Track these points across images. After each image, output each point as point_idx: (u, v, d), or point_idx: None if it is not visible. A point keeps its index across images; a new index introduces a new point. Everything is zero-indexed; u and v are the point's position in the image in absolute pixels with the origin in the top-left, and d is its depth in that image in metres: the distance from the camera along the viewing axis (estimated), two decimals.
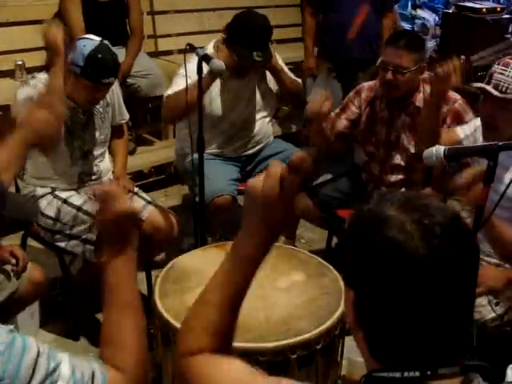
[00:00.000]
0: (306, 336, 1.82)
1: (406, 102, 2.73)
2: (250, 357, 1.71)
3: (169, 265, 2.21)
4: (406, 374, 0.92)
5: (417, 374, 0.91)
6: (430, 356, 0.92)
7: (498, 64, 2.06)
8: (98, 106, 2.65)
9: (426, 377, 0.91)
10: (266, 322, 1.88)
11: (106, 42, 2.46)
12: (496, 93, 2.02)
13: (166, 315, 1.90)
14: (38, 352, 1.03)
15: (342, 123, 2.94)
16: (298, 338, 1.80)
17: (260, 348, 1.75)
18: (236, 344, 1.74)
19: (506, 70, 2.01)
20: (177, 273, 2.16)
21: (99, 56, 2.36)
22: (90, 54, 2.35)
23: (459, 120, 2.65)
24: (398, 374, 0.92)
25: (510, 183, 1.85)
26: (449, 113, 2.65)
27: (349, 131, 2.96)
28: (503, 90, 2.01)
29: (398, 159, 2.83)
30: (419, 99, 2.71)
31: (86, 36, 2.49)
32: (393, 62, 2.60)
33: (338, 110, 2.98)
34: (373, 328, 0.95)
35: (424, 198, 0.97)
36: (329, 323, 1.86)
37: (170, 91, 2.87)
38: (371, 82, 2.95)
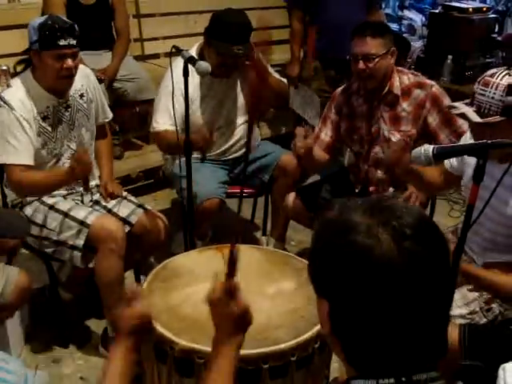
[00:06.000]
0: (280, 346, 1.76)
1: (382, 92, 2.73)
2: None
3: (162, 264, 2.20)
4: (381, 382, 0.90)
5: (391, 380, 0.90)
6: (406, 362, 0.91)
7: (479, 83, 1.98)
8: (81, 102, 2.61)
9: (400, 383, 0.90)
10: None
11: (57, 15, 2.46)
12: (477, 119, 1.95)
13: None
14: None
15: (327, 135, 2.94)
16: (271, 348, 1.75)
17: None
18: (208, 348, 1.73)
19: (486, 91, 1.94)
20: (168, 272, 2.15)
21: (49, 23, 2.33)
22: (40, 24, 2.33)
23: (438, 103, 2.68)
24: (373, 382, 0.91)
25: (493, 192, 1.83)
26: (427, 97, 2.69)
27: (336, 139, 2.96)
28: (485, 111, 1.94)
29: (380, 152, 2.82)
30: (396, 87, 2.72)
31: None
32: (360, 51, 2.63)
33: (320, 124, 3.00)
34: (349, 337, 0.94)
35: (387, 200, 0.96)
36: (307, 335, 1.80)
37: (155, 124, 2.90)
38: (344, 85, 2.97)
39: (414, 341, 0.91)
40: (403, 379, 0.90)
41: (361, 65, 2.64)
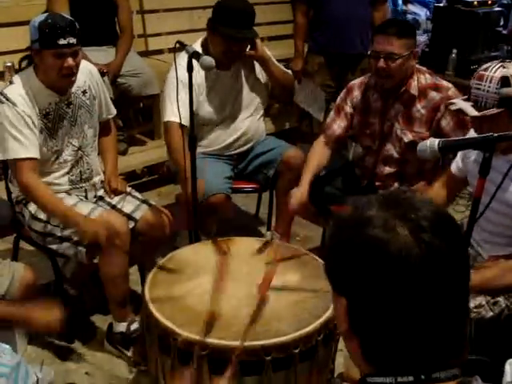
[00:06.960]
0: (283, 339, 1.76)
1: (399, 91, 2.71)
2: (223, 354, 1.69)
3: (167, 256, 2.21)
4: (399, 379, 0.89)
5: (410, 378, 0.88)
6: (425, 359, 0.89)
7: (474, 78, 2.01)
8: (84, 98, 2.61)
9: (419, 381, 0.88)
10: (247, 320, 1.84)
11: (58, 13, 2.47)
12: (474, 113, 1.98)
13: (151, 305, 1.90)
14: (38, 379, 1.24)
15: (340, 127, 2.92)
16: (274, 340, 1.75)
17: (233, 346, 1.71)
18: (210, 340, 1.74)
19: (481, 84, 1.97)
20: (173, 264, 2.16)
21: (49, 21, 2.33)
22: (40, 23, 2.33)
23: None
24: (391, 380, 0.89)
25: (499, 185, 1.81)
26: (442, 101, 2.66)
27: (347, 132, 2.95)
28: (482, 105, 1.97)
29: (391, 150, 2.82)
30: (413, 87, 2.70)
31: None
32: (384, 49, 2.60)
33: (332, 115, 2.97)
34: (368, 333, 0.92)
35: (404, 194, 0.94)
36: (310, 328, 1.80)
37: (166, 116, 2.86)
38: (361, 78, 2.94)
39: (434, 336, 0.89)
40: (422, 377, 0.88)
41: (381, 63, 2.60)
